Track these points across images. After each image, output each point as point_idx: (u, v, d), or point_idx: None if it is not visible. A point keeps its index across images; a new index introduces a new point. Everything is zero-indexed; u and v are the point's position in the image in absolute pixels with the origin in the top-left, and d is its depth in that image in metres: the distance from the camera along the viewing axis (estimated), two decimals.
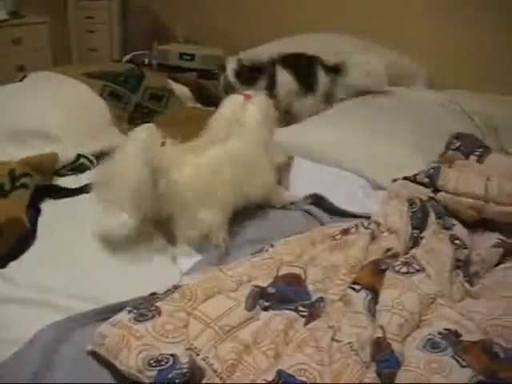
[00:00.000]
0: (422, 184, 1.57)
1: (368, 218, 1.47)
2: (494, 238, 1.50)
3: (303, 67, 2.20)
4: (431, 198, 1.53)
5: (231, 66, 2.23)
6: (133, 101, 2.13)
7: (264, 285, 1.21)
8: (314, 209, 1.58)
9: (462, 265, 1.33)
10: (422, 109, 2.17)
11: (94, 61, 3.92)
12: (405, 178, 1.62)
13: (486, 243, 1.49)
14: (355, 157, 1.85)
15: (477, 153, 1.65)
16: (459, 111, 2.21)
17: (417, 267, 1.21)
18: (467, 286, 1.26)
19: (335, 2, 3.13)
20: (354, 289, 1.16)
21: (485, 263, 1.40)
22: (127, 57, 3.60)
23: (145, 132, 1.38)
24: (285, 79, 2.18)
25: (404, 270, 1.20)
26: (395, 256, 1.27)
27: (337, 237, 1.37)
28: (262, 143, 1.56)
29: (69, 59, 4.00)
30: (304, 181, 1.75)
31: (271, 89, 2.11)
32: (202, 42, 3.67)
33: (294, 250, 1.33)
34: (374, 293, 1.15)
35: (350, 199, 1.65)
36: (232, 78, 2.21)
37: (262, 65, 2.21)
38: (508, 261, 1.41)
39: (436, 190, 1.55)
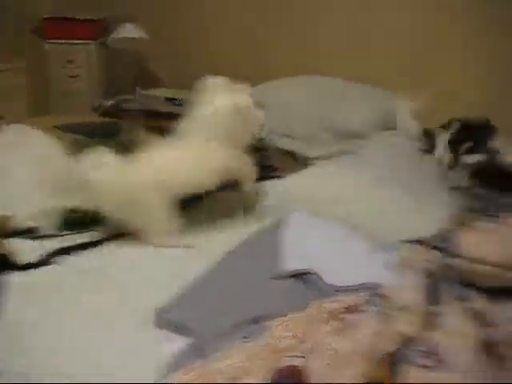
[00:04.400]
0: (437, 249, 1.41)
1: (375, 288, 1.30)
2: None
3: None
4: (447, 266, 1.36)
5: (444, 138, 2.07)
6: None
7: (260, 382, 1.02)
8: (312, 276, 1.40)
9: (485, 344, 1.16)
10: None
11: (74, 106, 3.79)
12: (418, 242, 1.46)
13: (508, 313, 1.33)
14: (357, 212, 1.70)
15: (496, 214, 1.50)
16: None
17: (439, 358, 1.03)
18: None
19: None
20: None
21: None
22: (109, 102, 3.46)
23: None
24: None
25: (427, 362, 1.02)
26: (412, 343, 1.09)
27: (341, 316, 1.19)
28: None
29: (47, 106, 3.85)
30: (299, 237, 1.58)
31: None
32: (187, 86, 3.54)
33: (292, 333, 1.15)
34: None
35: (351, 263, 1.48)
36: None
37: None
38: None
39: (452, 256, 1.38)
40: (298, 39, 3.19)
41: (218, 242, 1.59)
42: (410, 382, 0.98)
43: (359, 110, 2.48)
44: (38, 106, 3.68)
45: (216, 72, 3.33)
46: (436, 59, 2.76)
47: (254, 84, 2.83)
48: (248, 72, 3.22)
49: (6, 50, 3.33)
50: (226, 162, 1.67)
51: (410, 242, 1.47)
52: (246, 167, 1.73)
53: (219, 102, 1.69)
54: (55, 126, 1.93)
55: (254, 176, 1.77)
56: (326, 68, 2.91)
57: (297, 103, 2.64)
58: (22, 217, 1.59)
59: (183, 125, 1.71)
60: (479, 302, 1.30)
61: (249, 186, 1.75)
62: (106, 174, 1.56)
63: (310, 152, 2.34)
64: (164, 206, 1.60)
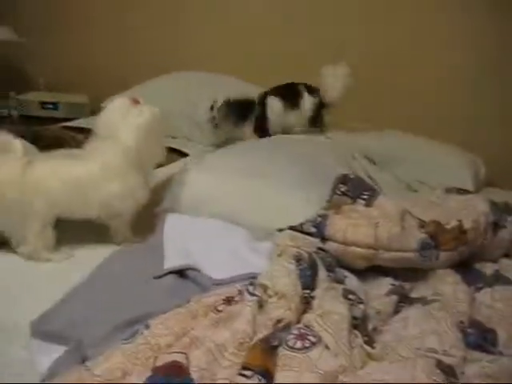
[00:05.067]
0: (309, 234, 1.46)
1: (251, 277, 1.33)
2: (386, 284, 1.43)
3: (290, 91, 2.44)
4: (320, 249, 1.42)
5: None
6: None
7: (140, 381, 1.02)
8: (192, 272, 1.42)
9: (359, 323, 1.22)
10: (304, 147, 2.08)
11: None
12: (291, 228, 1.50)
13: (379, 291, 1.41)
14: (235, 205, 1.72)
15: (364, 196, 1.58)
16: (345, 150, 2.16)
17: (313, 339, 1.07)
18: (368, 348, 1.15)
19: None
20: (244, 375, 1.00)
21: (381, 315, 1.31)
22: None
23: None
24: (275, 104, 2.40)
25: (299, 344, 1.06)
26: (287, 327, 1.12)
27: (220, 307, 1.20)
28: (129, 163, 1.57)
29: None
30: (178, 238, 1.57)
31: (263, 116, 2.40)
32: (64, 89, 3.43)
33: (172, 330, 1.15)
34: (269, 377, 0.99)
35: (231, 255, 1.51)
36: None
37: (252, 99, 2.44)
38: (404, 308, 1.33)
39: (324, 240, 1.44)
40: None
41: (98, 251, 1.55)
42: (281, 364, 1.02)
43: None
44: None
45: (92, 73, 3.29)
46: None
47: (132, 84, 2.84)
48: (124, 72, 3.21)
49: None
50: (110, 200, 1.58)
51: (284, 229, 1.51)
52: (126, 211, 1.63)
53: (127, 122, 1.58)
54: None
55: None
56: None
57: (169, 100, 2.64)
58: None
59: (90, 145, 1.63)
60: (351, 283, 1.37)
61: (119, 238, 1.65)
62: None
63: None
64: (44, 219, 1.54)
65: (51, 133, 2.34)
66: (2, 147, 1.49)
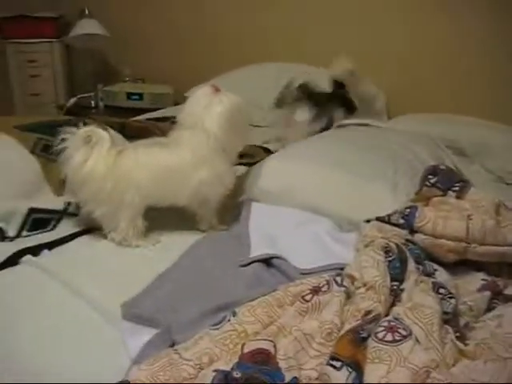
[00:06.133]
0: (397, 225, 1.42)
1: (340, 269, 1.32)
2: (478, 279, 1.37)
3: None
4: (408, 241, 1.38)
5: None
6: None
7: (228, 367, 1.03)
8: (278, 261, 1.42)
9: (450, 318, 1.18)
10: (392, 139, 2.03)
11: (37, 107, 3.74)
12: (378, 219, 1.47)
13: (471, 286, 1.35)
14: (319, 195, 1.70)
15: (455, 188, 1.51)
16: (429, 140, 2.09)
17: (403, 332, 1.04)
18: (460, 344, 1.10)
19: (294, 33, 3.02)
20: (333, 366, 0.98)
21: (473, 311, 1.26)
22: (72, 100, 3.43)
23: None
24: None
25: (389, 337, 1.03)
26: (376, 319, 1.10)
27: (307, 297, 1.19)
28: (215, 150, 1.58)
29: (10, 107, 3.78)
30: (263, 227, 1.58)
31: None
32: (149, 79, 3.52)
33: (259, 318, 1.15)
34: (358, 369, 0.98)
35: (316, 245, 1.50)
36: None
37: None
38: (498, 304, 1.27)
39: (413, 232, 1.40)
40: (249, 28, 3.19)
41: (184, 238, 1.58)
42: (371, 356, 0.99)
43: None
44: (3, 108, 3.62)
45: (176, 64, 3.35)
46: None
47: (214, 75, 2.87)
48: (207, 63, 3.24)
49: None
50: (199, 187, 1.59)
51: (371, 220, 1.48)
52: (214, 197, 1.63)
53: (210, 111, 1.60)
54: (14, 126, 1.87)
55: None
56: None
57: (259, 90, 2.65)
58: None
59: (175, 134, 1.64)
60: (441, 276, 1.33)
61: (205, 225, 1.66)
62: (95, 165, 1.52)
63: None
64: (135, 209, 1.57)
65: (137, 123, 2.42)
66: (91, 138, 1.53)
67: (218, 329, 1.13)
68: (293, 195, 1.71)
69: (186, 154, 1.58)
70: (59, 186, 1.74)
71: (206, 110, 1.59)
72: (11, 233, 1.56)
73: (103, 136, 1.54)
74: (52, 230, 1.62)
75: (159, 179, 1.56)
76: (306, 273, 1.34)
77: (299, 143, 2.04)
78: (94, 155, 1.52)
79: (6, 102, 3.75)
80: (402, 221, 1.42)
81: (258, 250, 1.44)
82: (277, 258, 1.41)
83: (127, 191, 1.54)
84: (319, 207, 1.66)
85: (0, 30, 3.72)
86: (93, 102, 3.41)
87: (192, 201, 1.61)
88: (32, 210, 1.60)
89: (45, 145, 1.82)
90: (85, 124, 2.02)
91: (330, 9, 2.91)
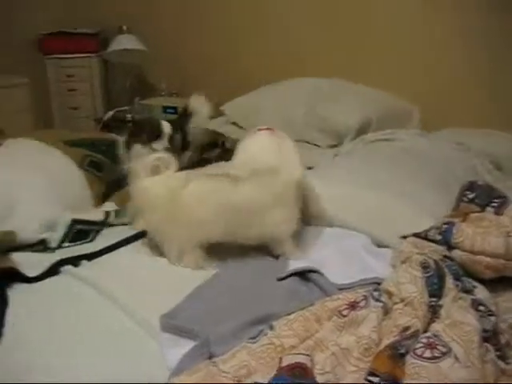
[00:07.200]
0: (434, 241, 1.42)
1: (377, 284, 1.31)
2: None
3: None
4: (446, 257, 1.37)
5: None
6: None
7: (265, 381, 1.03)
8: (315, 275, 1.42)
9: (490, 335, 1.16)
10: (427, 154, 2.02)
11: (75, 120, 3.82)
12: (415, 235, 1.46)
13: (510, 303, 1.33)
14: (355, 212, 1.70)
15: (494, 204, 1.50)
16: (466, 154, 2.07)
17: (442, 349, 1.04)
18: (501, 363, 1.09)
19: (325, 48, 3.04)
20: (371, 382, 0.98)
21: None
22: (109, 114, 3.49)
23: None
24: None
25: (428, 354, 1.03)
26: (415, 335, 1.09)
27: (344, 312, 1.20)
28: (298, 194, 1.56)
29: (50, 120, 3.88)
30: (299, 242, 1.59)
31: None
32: (184, 94, 3.57)
33: (296, 332, 1.16)
34: None
35: (352, 260, 1.50)
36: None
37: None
38: None
39: (450, 248, 1.39)
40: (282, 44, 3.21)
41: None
42: (410, 373, 0.99)
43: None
44: (42, 121, 3.71)
45: (209, 79, 3.39)
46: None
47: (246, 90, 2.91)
48: (240, 78, 3.27)
49: (9, 67, 3.36)
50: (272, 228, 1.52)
51: (408, 236, 1.48)
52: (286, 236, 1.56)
53: (290, 156, 1.57)
54: (63, 141, 1.94)
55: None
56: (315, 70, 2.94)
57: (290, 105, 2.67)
58: (29, 229, 1.60)
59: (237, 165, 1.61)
60: (481, 293, 1.31)
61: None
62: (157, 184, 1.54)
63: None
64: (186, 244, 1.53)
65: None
66: (159, 167, 1.56)
67: (255, 342, 1.14)
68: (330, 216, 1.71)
69: (263, 196, 1.51)
70: (100, 199, 1.80)
71: (284, 155, 1.57)
72: (53, 243, 1.60)
73: (170, 163, 1.58)
74: (92, 241, 1.67)
75: (225, 218, 1.51)
76: (342, 288, 1.34)
77: (326, 163, 2.05)
78: (160, 183, 1.55)
79: (45, 115, 3.85)
80: (439, 237, 1.42)
81: (295, 264, 1.44)
82: (314, 271, 1.41)
83: (188, 226, 1.52)
84: (348, 226, 1.67)
85: (41, 46, 3.83)
86: (129, 116, 3.46)
87: (262, 240, 1.55)
88: (75, 221, 1.65)
89: (91, 161, 1.90)
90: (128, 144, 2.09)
91: (362, 26, 2.92)
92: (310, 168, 2.09)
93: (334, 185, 1.79)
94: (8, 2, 3.57)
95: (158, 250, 1.57)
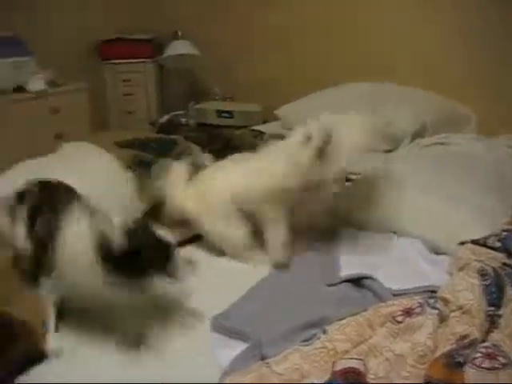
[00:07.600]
0: (493, 248, 1.38)
1: (432, 291, 1.29)
2: None
3: None
4: (505, 265, 1.33)
5: None
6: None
7: (319, 383, 1.03)
8: (369, 281, 1.41)
9: None
10: (482, 160, 1.97)
11: (131, 124, 3.90)
12: (473, 242, 1.43)
13: None
14: (410, 218, 1.67)
15: None
16: None
17: (503, 360, 1.00)
18: None
19: (381, 53, 3.01)
20: None
21: None
22: (165, 118, 3.56)
23: None
24: None
25: (487, 364, 1.00)
26: (473, 344, 1.07)
27: (398, 318, 1.18)
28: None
29: (107, 124, 3.98)
30: (353, 248, 1.58)
31: None
32: (237, 98, 3.60)
33: (349, 337, 1.15)
34: None
35: (407, 266, 1.48)
36: None
37: None
38: None
39: (510, 255, 1.35)
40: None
41: None
42: (469, 382, 0.97)
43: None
44: (99, 125, 3.81)
45: (263, 83, 3.40)
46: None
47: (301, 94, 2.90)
48: (292, 83, 3.27)
49: (71, 73, 3.47)
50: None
51: (466, 242, 1.44)
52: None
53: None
54: (115, 143, 1.99)
55: None
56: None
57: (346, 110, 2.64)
58: None
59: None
60: None
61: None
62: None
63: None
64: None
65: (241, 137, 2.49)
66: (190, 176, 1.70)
67: (308, 345, 1.14)
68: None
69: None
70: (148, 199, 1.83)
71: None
72: None
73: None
74: None
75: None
76: (397, 294, 1.32)
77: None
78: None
79: (102, 118, 3.95)
80: (498, 244, 1.38)
81: (348, 270, 1.43)
82: (367, 277, 1.40)
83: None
84: (404, 232, 1.64)
85: (99, 52, 3.94)
86: (184, 120, 3.52)
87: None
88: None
89: (140, 160, 1.92)
90: (175, 143, 2.13)
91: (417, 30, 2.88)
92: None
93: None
94: (70, 11, 3.68)
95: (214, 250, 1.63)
